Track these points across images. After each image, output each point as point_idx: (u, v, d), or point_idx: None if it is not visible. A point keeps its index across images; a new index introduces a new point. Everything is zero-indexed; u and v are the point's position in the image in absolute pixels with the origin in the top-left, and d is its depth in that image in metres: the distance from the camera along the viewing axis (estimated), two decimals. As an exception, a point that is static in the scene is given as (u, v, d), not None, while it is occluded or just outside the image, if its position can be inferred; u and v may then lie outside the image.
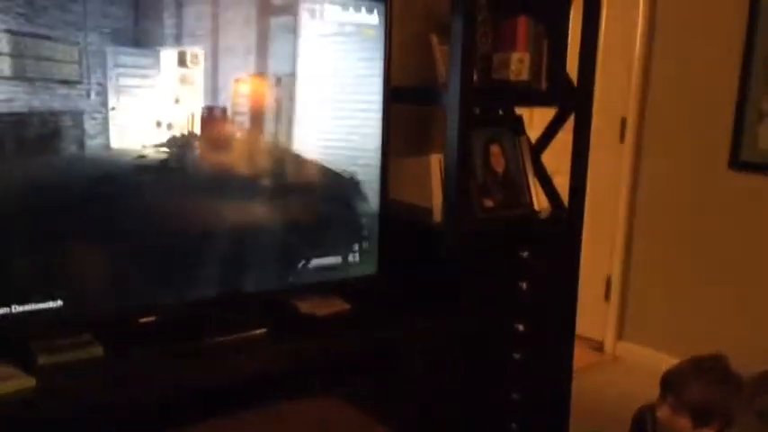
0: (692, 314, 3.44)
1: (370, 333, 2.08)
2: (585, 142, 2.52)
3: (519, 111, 2.63)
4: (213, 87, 1.80)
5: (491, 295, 2.33)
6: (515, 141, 2.51)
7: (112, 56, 1.60)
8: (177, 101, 1.74)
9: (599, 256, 3.67)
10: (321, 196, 2.04)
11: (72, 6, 1.54)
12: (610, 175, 3.64)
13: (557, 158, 2.68)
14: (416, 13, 2.44)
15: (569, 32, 2.54)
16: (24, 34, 1.49)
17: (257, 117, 1.89)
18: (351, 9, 2.00)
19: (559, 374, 2.62)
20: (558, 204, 2.61)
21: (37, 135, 1.54)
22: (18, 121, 1.51)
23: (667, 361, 2.12)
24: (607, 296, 3.81)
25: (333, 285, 2.13)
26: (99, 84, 1.60)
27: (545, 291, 2.46)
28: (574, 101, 2.51)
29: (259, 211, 1.95)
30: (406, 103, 2.35)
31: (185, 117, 1.76)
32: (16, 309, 1.60)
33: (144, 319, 1.80)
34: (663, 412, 1.95)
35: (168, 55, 1.70)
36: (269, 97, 1.90)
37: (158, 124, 1.72)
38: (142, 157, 1.69)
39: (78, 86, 1.57)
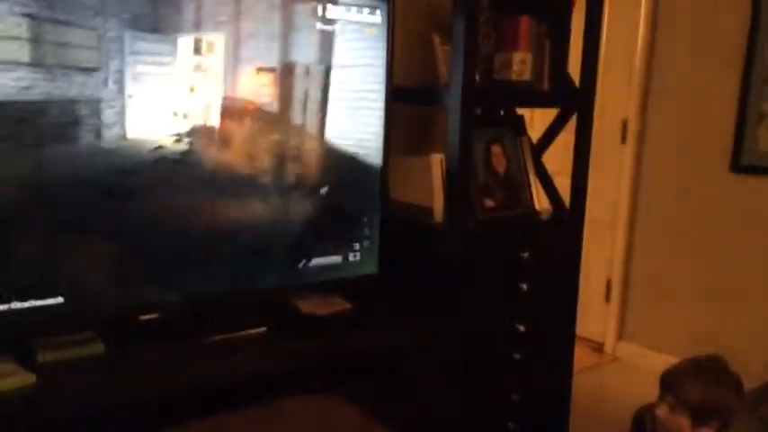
0: (692, 315, 3.44)
1: (370, 333, 2.08)
2: (587, 143, 2.52)
3: (520, 111, 2.63)
4: (219, 81, 1.80)
5: (492, 296, 2.34)
6: (517, 141, 2.51)
7: (131, 42, 1.58)
8: (192, 90, 1.74)
9: (600, 257, 3.67)
10: (322, 194, 2.04)
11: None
12: (611, 176, 3.65)
13: (558, 159, 2.68)
14: (419, 13, 2.44)
15: (571, 33, 2.54)
16: (42, 19, 1.47)
17: (260, 115, 1.89)
18: (353, 9, 2.00)
19: (560, 375, 2.62)
20: (559, 205, 2.61)
21: (54, 123, 1.53)
22: (36, 109, 1.50)
23: (667, 362, 2.12)
24: (607, 297, 3.81)
25: (333, 284, 2.14)
26: (117, 71, 1.59)
27: (546, 291, 2.46)
28: (575, 102, 2.51)
29: (260, 209, 1.95)
30: (407, 102, 2.35)
31: (194, 107, 1.77)
32: (16, 305, 1.60)
33: (145, 317, 1.80)
34: (662, 411, 1.96)
35: (186, 42, 1.70)
36: (272, 97, 1.90)
37: (175, 114, 1.71)
38: (158, 148, 1.70)
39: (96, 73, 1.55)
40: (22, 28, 1.45)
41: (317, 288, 2.12)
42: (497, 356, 2.41)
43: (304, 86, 1.95)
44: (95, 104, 1.57)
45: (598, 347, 3.82)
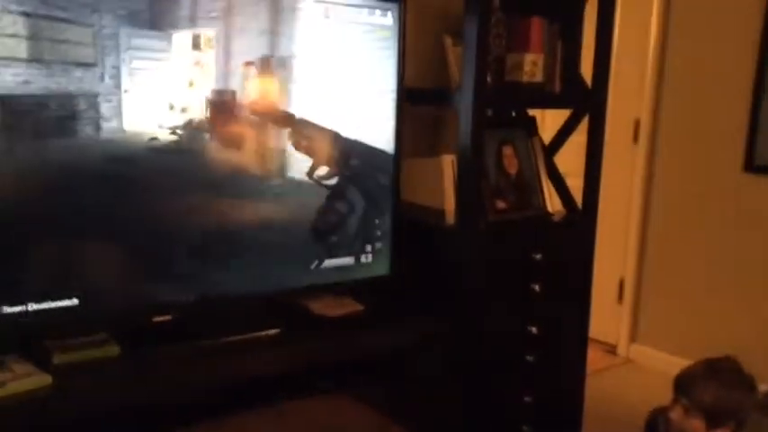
0: (706, 317, 3.42)
1: (382, 334, 2.08)
2: (599, 144, 2.51)
3: (532, 112, 2.62)
4: (220, 82, 1.81)
5: (504, 297, 2.33)
6: (528, 143, 2.51)
7: (126, 38, 1.59)
8: (191, 84, 1.74)
9: (612, 258, 3.65)
10: (334, 196, 2.05)
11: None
12: (623, 177, 3.63)
13: (570, 160, 2.67)
14: (430, 15, 2.44)
15: (583, 34, 2.54)
16: (40, 16, 1.48)
17: (268, 117, 1.90)
18: (365, 11, 2.00)
19: (573, 377, 2.61)
20: (572, 206, 2.60)
21: (53, 117, 1.53)
22: (35, 103, 1.50)
23: (681, 364, 2.11)
24: (620, 298, 3.79)
25: (346, 286, 2.14)
26: (113, 66, 1.59)
27: (558, 293, 2.45)
28: (588, 102, 2.50)
29: (272, 211, 1.95)
30: (419, 104, 2.35)
31: (197, 103, 1.77)
32: (32, 307, 1.62)
33: (158, 318, 1.81)
34: (676, 413, 1.95)
35: (182, 37, 1.70)
36: (281, 98, 1.90)
37: (171, 107, 1.71)
38: (154, 139, 1.70)
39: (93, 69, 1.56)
40: (20, 25, 1.46)
41: (330, 289, 2.12)
42: (510, 358, 2.40)
43: (314, 87, 1.95)
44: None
45: (611, 349, 3.80)
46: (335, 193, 2.05)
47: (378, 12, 2.03)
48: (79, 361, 1.66)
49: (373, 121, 2.09)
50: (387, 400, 2.23)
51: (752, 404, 1.92)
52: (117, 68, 1.59)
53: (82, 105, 1.55)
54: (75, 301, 1.66)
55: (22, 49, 1.47)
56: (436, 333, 2.19)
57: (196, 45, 1.73)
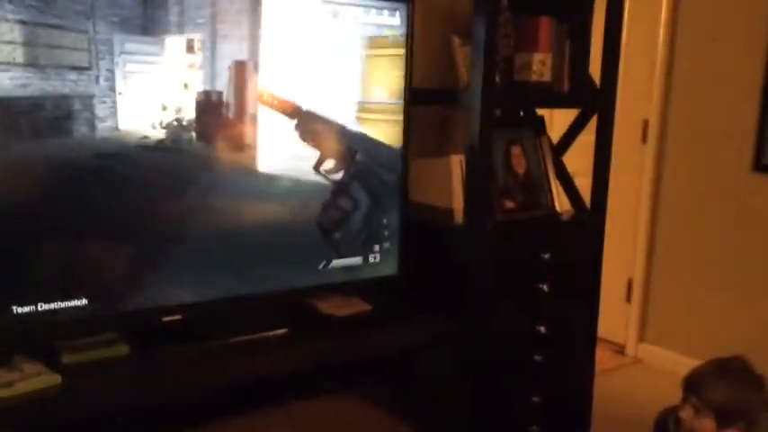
0: (715, 316, 3.41)
1: (390, 334, 2.09)
2: (608, 143, 2.51)
3: (540, 111, 2.62)
4: (213, 78, 1.81)
5: (512, 297, 2.33)
6: (536, 142, 2.50)
7: (119, 43, 1.62)
8: (186, 87, 1.75)
9: (620, 258, 3.64)
10: (341, 196, 2.05)
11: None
12: (632, 177, 3.62)
13: (578, 159, 2.66)
14: (438, 15, 2.44)
15: (592, 33, 2.53)
16: (36, 24, 1.52)
17: (274, 117, 1.90)
18: (373, 11, 2.00)
19: (581, 377, 2.60)
20: (580, 206, 2.60)
21: (49, 119, 1.56)
22: (32, 104, 1.53)
23: (690, 363, 2.10)
24: (629, 298, 3.78)
25: (354, 286, 2.14)
26: (108, 70, 1.62)
27: (566, 293, 2.45)
28: (596, 102, 2.49)
29: (279, 212, 1.96)
30: (427, 104, 2.35)
31: (195, 104, 1.77)
32: (42, 307, 1.62)
33: (168, 318, 1.82)
34: (686, 414, 1.94)
35: (175, 42, 1.72)
36: (289, 97, 1.91)
37: (164, 108, 1.72)
38: (146, 138, 1.70)
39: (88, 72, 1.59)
40: (17, 32, 1.50)
41: (338, 289, 2.13)
42: (518, 358, 2.40)
43: (320, 88, 1.95)
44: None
45: (619, 349, 3.79)
46: (342, 192, 2.05)
47: (386, 12, 2.03)
48: (89, 361, 1.66)
49: (381, 122, 2.09)
50: (395, 400, 2.23)
51: (762, 403, 1.91)
52: (111, 72, 1.62)
53: (77, 106, 1.58)
54: (84, 302, 1.67)
55: (20, 54, 1.51)
56: (444, 333, 2.19)
57: (190, 48, 1.74)
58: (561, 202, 2.53)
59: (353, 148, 2.04)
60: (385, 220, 2.14)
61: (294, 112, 1.91)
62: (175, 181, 1.77)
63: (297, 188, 1.96)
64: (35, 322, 1.62)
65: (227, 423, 1.90)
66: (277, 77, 1.88)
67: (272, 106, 1.88)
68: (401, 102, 2.11)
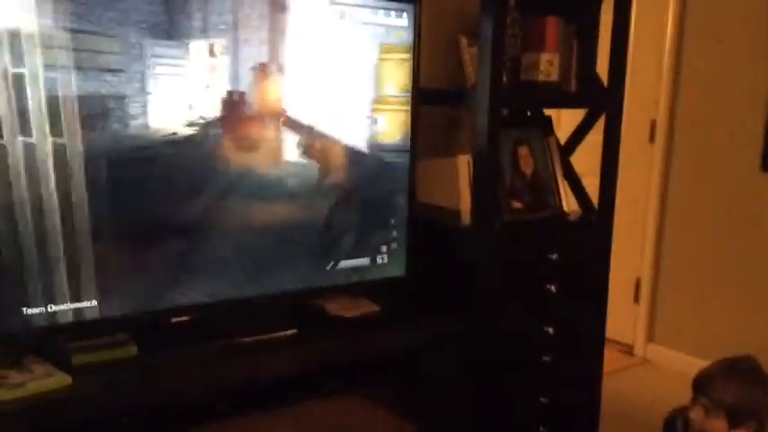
0: (723, 317, 3.40)
1: (398, 335, 2.09)
2: (616, 143, 2.50)
3: (547, 111, 2.62)
4: (235, 83, 1.82)
5: (520, 298, 2.33)
6: (544, 142, 2.50)
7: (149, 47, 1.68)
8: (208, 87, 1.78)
9: (628, 258, 3.63)
10: (349, 197, 2.05)
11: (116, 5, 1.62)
12: (639, 177, 3.61)
13: (586, 159, 2.66)
14: (445, 16, 2.44)
15: (599, 33, 2.53)
16: (77, 30, 1.58)
17: (282, 118, 1.90)
18: (380, 12, 2.01)
19: (589, 378, 2.60)
20: (588, 206, 2.59)
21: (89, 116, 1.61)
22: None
23: (698, 364, 2.10)
24: (636, 298, 3.77)
25: (361, 287, 2.14)
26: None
27: (574, 293, 2.44)
28: (604, 102, 2.49)
29: (287, 212, 1.96)
30: (434, 104, 2.35)
31: (216, 108, 1.79)
32: (52, 308, 1.63)
33: (177, 319, 1.83)
34: (696, 414, 1.94)
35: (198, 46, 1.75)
36: (297, 98, 1.91)
37: (191, 107, 1.76)
38: (173, 138, 1.73)
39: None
40: (65, 39, 1.58)
41: (346, 290, 2.13)
42: (526, 359, 2.39)
43: (329, 88, 1.96)
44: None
45: (627, 350, 3.78)
46: (350, 194, 2.05)
47: (393, 13, 2.03)
48: (98, 361, 1.67)
49: (388, 122, 2.09)
50: (402, 401, 2.23)
51: None
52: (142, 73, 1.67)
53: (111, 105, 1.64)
54: (94, 303, 1.68)
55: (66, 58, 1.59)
56: (452, 334, 2.19)
57: (211, 52, 1.76)
58: (569, 203, 2.53)
59: (360, 152, 2.04)
60: (392, 221, 2.15)
61: (297, 123, 1.92)
62: (191, 180, 1.78)
63: (304, 190, 1.97)
64: (45, 323, 1.62)
65: (234, 423, 1.90)
66: (287, 87, 1.88)
67: (270, 113, 1.88)
68: (408, 102, 2.11)
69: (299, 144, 1.93)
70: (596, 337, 2.59)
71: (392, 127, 2.10)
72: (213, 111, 1.78)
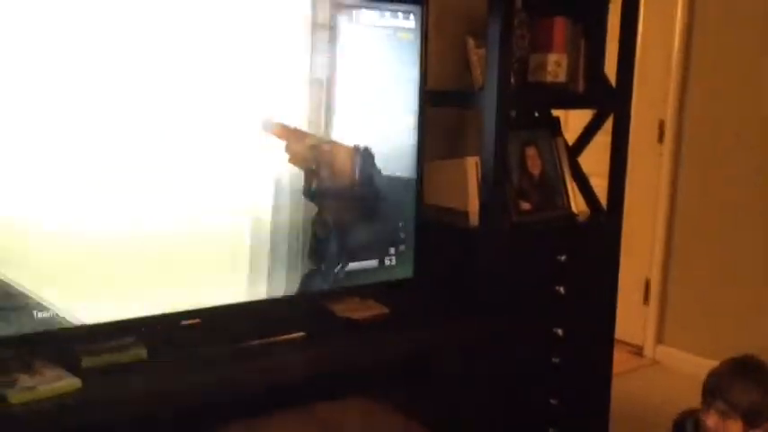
0: (732, 318, 3.38)
1: (407, 336, 2.08)
2: (624, 144, 2.50)
3: (555, 112, 2.61)
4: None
5: (529, 299, 2.32)
6: (552, 143, 2.49)
7: None
8: None
9: (637, 259, 3.62)
10: (358, 199, 2.05)
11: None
12: (648, 177, 3.60)
13: (594, 160, 2.65)
14: (452, 17, 2.43)
15: (607, 33, 2.52)
16: None
17: (293, 119, 1.90)
18: (387, 14, 2.01)
19: (599, 379, 2.59)
20: (596, 207, 2.59)
21: None
22: None
23: (708, 365, 2.08)
24: (646, 299, 3.76)
25: (370, 288, 2.14)
26: None
27: (583, 294, 2.44)
28: (612, 102, 2.48)
29: (296, 214, 1.96)
30: (442, 106, 2.35)
31: None
32: (60, 311, 1.64)
33: (186, 322, 1.83)
34: (712, 420, 1.90)
35: None
36: (305, 100, 1.91)
37: None
38: None
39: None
40: None
41: (354, 292, 2.13)
42: (536, 360, 2.39)
43: (337, 91, 1.96)
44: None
45: (637, 351, 3.77)
46: (358, 196, 2.05)
47: (400, 14, 2.03)
48: (108, 364, 1.67)
49: (396, 124, 2.09)
50: (411, 403, 2.23)
51: None
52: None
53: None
54: (104, 305, 1.68)
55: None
56: (460, 335, 2.18)
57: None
58: (577, 203, 2.52)
59: (369, 154, 2.04)
60: (401, 223, 2.14)
61: (300, 118, 1.92)
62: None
63: (313, 192, 1.96)
64: (55, 326, 1.63)
65: (244, 426, 1.90)
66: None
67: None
68: (416, 104, 2.11)
69: (306, 147, 1.93)
70: (605, 339, 2.58)
71: (400, 128, 2.10)
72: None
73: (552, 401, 2.44)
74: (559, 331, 2.39)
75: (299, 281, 1.98)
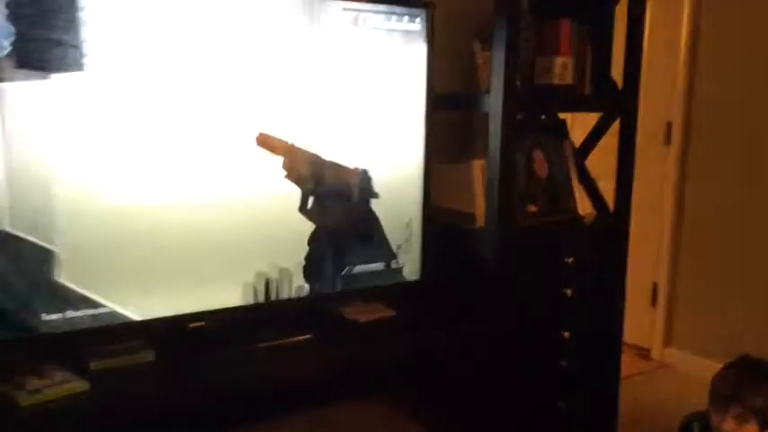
0: (740, 320, 3.36)
1: (413, 339, 2.08)
2: (631, 146, 2.49)
3: (562, 115, 2.60)
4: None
5: (536, 302, 2.32)
6: (558, 146, 2.49)
7: None
8: None
9: (645, 262, 3.61)
10: (364, 202, 2.05)
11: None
12: (656, 179, 3.59)
13: (601, 162, 2.64)
14: (458, 20, 2.44)
15: (614, 35, 2.51)
16: None
17: (300, 122, 1.91)
18: (393, 17, 2.01)
19: (606, 382, 2.58)
20: (604, 209, 2.58)
21: None
22: None
23: (716, 368, 2.08)
24: (654, 302, 3.74)
25: (376, 291, 2.14)
26: None
27: (591, 297, 2.43)
28: (619, 104, 2.48)
29: (302, 217, 1.96)
30: (448, 109, 2.35)
31: None
32: (69, 314, 1.64)
33: (193, 325, 1.83)
34: (729, 425, 1.89)
35: None
36: (311, 104, 1.92)
37: None
38: None
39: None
40: None
41: (361, 295, 2.13)
42: (543, 363, 2.38)
43: (344, 94, 1.96)
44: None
45: (645, 353, 3.75)
46: (365, 199, 2.05)
47: (406, 18, 2.04)
48: (115, 367, 1.68)
49: (403, 127, 2.09)
50: (418, 405, 2.23)
51: None
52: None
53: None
54: (111, 308, 1.69)
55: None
56: (467, 338, 2.18)
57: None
58: (584, 206, 2.52)
59: (376, 158, 2.04)
60: (407, 226, 2.14)
61: (307, 120, 1.93)
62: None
63: (319, 195, 1.97)
64: (63, 329, 1.64)
65: (251, 428, 1.91)
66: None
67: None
68: (423, 107, 2.11)
69: (315, 150, 1.94)
70: (613, 341, 2.58)
71: (406, 132, 2.10)
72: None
73: (560, 404, 2.43)
74: (566, 334, 2.39)
75: (306, 284, 1.99)
